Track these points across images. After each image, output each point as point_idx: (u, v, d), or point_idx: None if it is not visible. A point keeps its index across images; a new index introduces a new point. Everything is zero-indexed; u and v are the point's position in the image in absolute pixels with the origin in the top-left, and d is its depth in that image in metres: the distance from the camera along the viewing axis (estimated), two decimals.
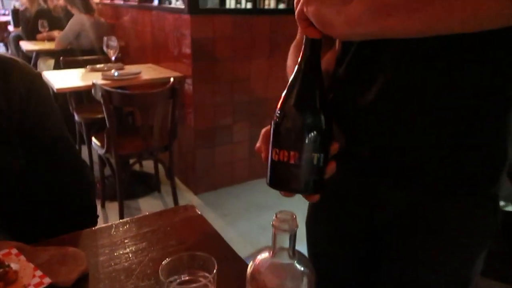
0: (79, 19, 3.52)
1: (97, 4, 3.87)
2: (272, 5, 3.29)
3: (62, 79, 2.62)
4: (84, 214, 1.06)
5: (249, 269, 0.56)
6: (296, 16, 0.58)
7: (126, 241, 0.86)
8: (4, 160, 0.88)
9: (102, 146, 2.40)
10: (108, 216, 2.66)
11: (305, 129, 0.57)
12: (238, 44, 2.82)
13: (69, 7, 3.66)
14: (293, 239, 0.53)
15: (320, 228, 0.90)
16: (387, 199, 0.74)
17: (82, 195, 1.04)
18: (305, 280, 0.54)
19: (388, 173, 0.72)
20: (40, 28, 4.06)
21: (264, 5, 3.31)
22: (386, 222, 0.76)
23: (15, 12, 5.92)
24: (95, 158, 2.94)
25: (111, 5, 4.40)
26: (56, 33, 3.93)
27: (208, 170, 3.02)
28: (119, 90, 2.25)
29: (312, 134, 0.57)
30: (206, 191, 3.04)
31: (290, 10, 2.97)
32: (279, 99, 0.59)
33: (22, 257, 0.75)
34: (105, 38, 2.73)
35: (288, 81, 0.60)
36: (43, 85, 0.97)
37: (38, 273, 0.72)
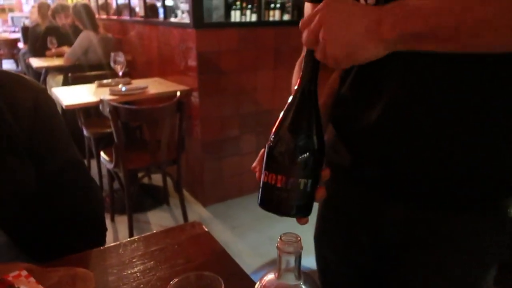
0: (87, 35, 3.61)
1: (103, 20, 3.94)
2: (277, 17, 3.32)
3: (70, 96, 2.66)
4: (93, 230, 1.06)
5: None
6: (304, 43, 0.58)
7: (134, 260, 0.86)
8: (20, 173, 0.88)
9: (110, 161, 2.42)
10: (118, 230, 2.68)
11: (291, 154, 0.57)
12: (243, 56, 2.84)
13: (77, 23, 3.75)
14: (298, 260, 0.53)
15: (327, 240, 0.90)
16: (394, 216, 0.73)
17: (91, 214, 1.05)
18: None
19: (395, 190, 0.72)
20: (49, 45, 4.13)
21: (269, 17, 3.33)
22: (394, 240, 0.75)
23: (25, 30, 6.04)
24: (104, 172, 2.97)
25: (118, 21, 4.47)
26: (65, 49, 4.00)
27: (216, 182, 3.03)
28: (126, 106, 2.27)
29: (298, 159, 0.57)
30: (214, 203, 3.04)
31: (294, 22, 3.00)
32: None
33: (32, 279, 0.76)
34: (112, 54, 2.77)
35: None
36: (49, 100, 0.97)
37: None
